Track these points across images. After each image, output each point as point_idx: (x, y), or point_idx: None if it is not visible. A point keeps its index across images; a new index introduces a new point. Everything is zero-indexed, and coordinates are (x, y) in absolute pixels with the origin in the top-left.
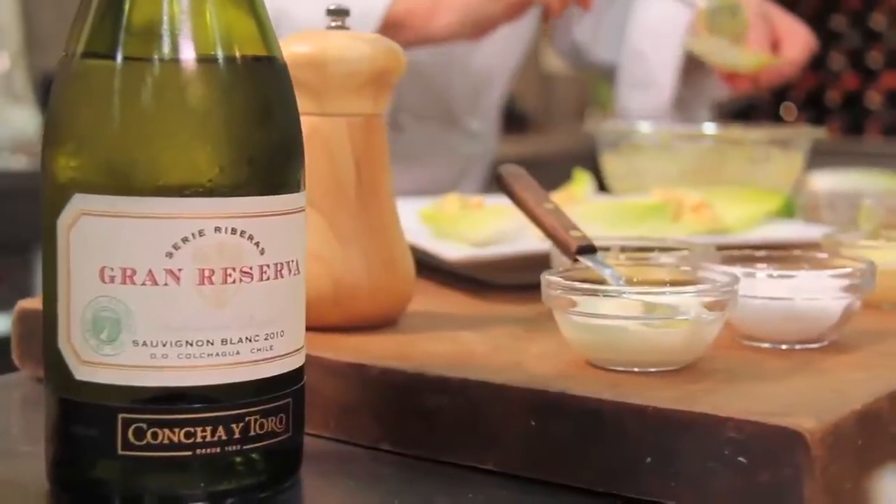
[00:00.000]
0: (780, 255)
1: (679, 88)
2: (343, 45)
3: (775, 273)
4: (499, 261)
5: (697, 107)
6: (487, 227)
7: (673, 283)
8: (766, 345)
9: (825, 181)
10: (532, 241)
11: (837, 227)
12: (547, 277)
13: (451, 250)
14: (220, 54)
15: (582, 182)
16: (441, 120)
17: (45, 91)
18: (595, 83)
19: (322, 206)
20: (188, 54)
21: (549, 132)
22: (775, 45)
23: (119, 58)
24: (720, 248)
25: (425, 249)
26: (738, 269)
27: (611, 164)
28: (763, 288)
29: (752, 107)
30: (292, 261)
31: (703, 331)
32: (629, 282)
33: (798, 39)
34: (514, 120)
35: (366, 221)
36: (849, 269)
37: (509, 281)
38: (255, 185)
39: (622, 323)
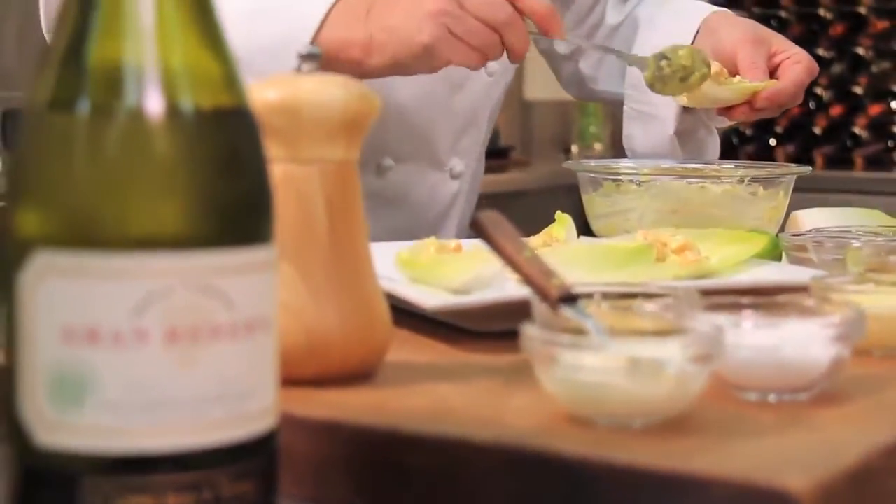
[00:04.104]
0: (766, 301)
1: (685, 118)
2: (315, 90)
3: (762, 322)
4: (478, 308)
5: (705, 136)
6: (465, 272)
7: (657, 333)
8: (753, 395)
9: (812, 218)
10: (511, 286)
11: (825, 268)
12: (526, 330)
13: (429, 298)
14: (187, 106)
15: (562, 224)
16: (424, 162)
17: (7, 127)
18: (580, 116)
19: (294, 255)
20: (155, 107)
21: (530, 163)
22: (772, 71)
23: (83, 110)
24: (705, 292)
25: (402, 297)
26: (723, 318)
27: (593, 204)
28: (750, 337)
29: (741, 136)
30: (264, 317)
31: (688, 384)
32: (611, 331)
33: (797, 62)
34: (494, 153)
35: (339, 271)
36: (837, 318)
37: (488, 328)
38: (224, 239)
39: (605, 377)
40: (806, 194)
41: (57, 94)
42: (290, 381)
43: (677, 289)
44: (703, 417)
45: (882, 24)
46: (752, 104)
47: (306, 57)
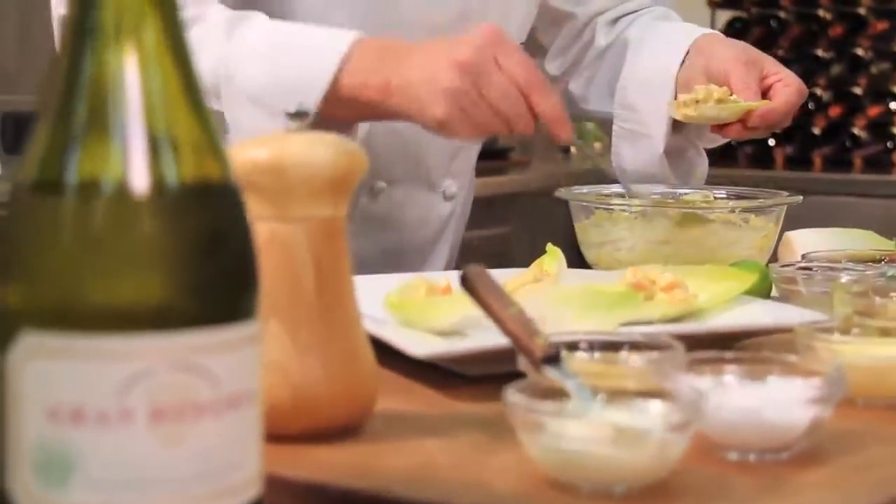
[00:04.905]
0: (749, 356)
1: (675, 138)
2: (302, 150)
3: (744, 382)
4: (465, 355)
5: (693, 156)
6: (452, 314)
7: (640, 394)
8: (734, 455)
9: (803, 240)
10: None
11: (813, 301)
12: (509, 397)
13: (417, 345)
14: (171, 188)
15: (553, 257)
16: (417, 184)
17: (7, 130)
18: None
19: (280, 312)
20: (138, 190)
21: (530, 164)
22: (764, 93)
23: (68, 192)
24: (691, 338)
25: (391, 343)
26: (706, 378)
27: (584, 233)
28: (731, 398)
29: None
30: (248, 390)
31: (669, 450)
32: (594, 391)
33: (788, 85)
34: (493, 154)
35: (326, 327)
36: (819, 380)
37: (475, 371)
38: (209, 318)
39: (587, 445)
40: (805, 196)
41: (41, 175)
42: (277, 437)
43: (662, 342)
44: (685, 481)
45: (881, 25)
46: (745, 123)
47: (295, 115)
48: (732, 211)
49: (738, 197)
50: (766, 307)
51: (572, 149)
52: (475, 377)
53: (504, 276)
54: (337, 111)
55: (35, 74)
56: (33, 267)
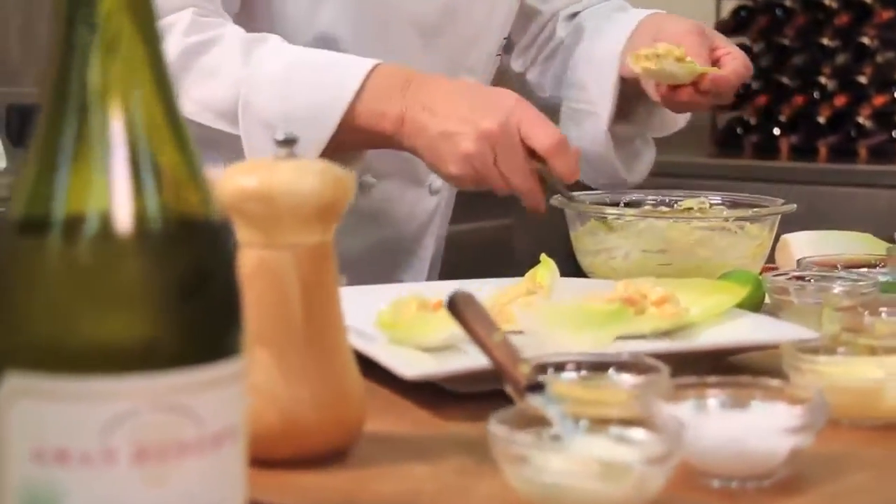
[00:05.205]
0: (732, 381)
1: (623, 126)
2: (290, 178)
3: (727, 409)
4: (455, 375)
5: (640, 146)
6: (443, 330)
7: (623, 423)
8: (716, 482)
9: (800, 241)
10: None
11: (805, 312)
12: (492, 428)
13: (407, 365)
14: (157, 227)
15: (546, 268)
16: (404, 179)
17: (11, 122)
18: None
19: (268, 339)
20: (125, 229)
21: None
22: (714, 63)
23: (52, 232)
24: (680, 353)
25: (382, 363)
26: (689, 405)
27: (579, 241)
28: (714, 425)
29: (745, 125)
30: (232, 428)
31: (650, 482)
32: (577, 419)
33: (736, 58)
34: None
35: (314, 353)
36: (801, 409)
37: (464, 389)
38: (193, 357)
39: (569, 479)
40: (808, 187)
41: (25, 215)
42: (265, 462)
43: (647, 364)
44: None
45: (887, 14)
46: (698, 87)
47: (283, 142)
48: (727, 219)
49: (734, 204)
50: (756, 322)
51: None
52: (464, 394)
53: (497, 288)
54: (349, 138)
55: (39, 66)
56: (17, 308)
